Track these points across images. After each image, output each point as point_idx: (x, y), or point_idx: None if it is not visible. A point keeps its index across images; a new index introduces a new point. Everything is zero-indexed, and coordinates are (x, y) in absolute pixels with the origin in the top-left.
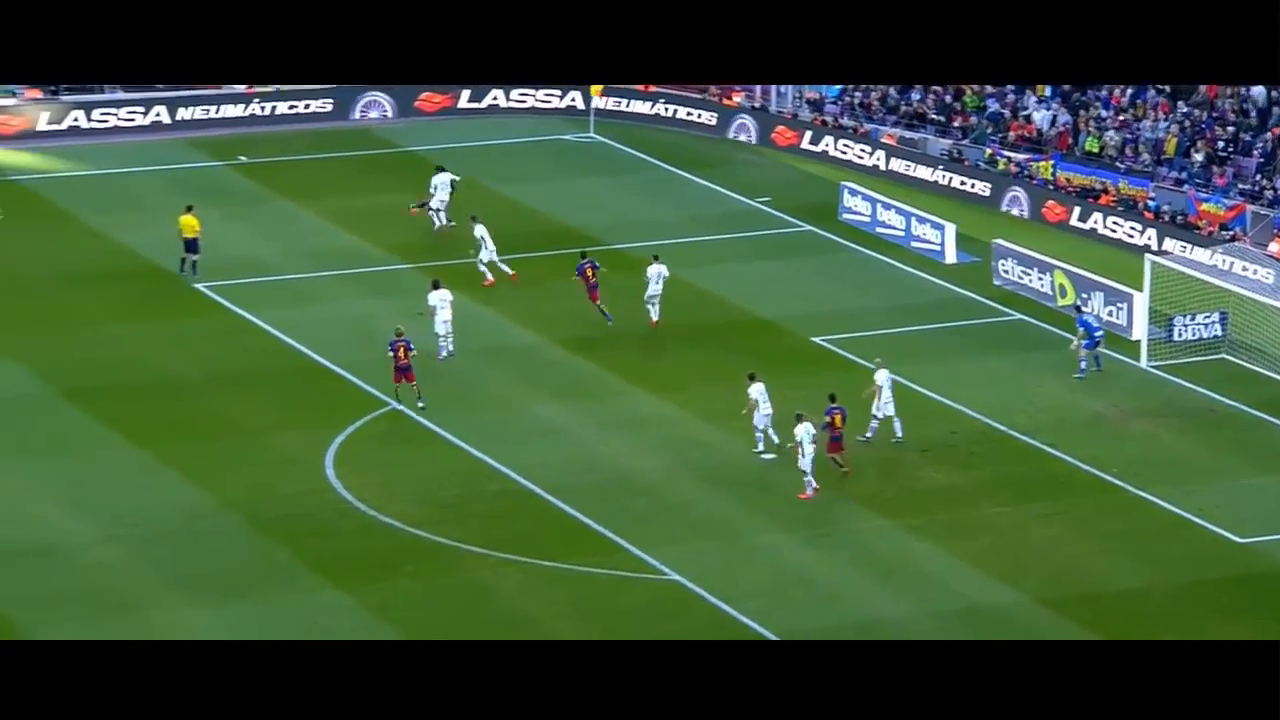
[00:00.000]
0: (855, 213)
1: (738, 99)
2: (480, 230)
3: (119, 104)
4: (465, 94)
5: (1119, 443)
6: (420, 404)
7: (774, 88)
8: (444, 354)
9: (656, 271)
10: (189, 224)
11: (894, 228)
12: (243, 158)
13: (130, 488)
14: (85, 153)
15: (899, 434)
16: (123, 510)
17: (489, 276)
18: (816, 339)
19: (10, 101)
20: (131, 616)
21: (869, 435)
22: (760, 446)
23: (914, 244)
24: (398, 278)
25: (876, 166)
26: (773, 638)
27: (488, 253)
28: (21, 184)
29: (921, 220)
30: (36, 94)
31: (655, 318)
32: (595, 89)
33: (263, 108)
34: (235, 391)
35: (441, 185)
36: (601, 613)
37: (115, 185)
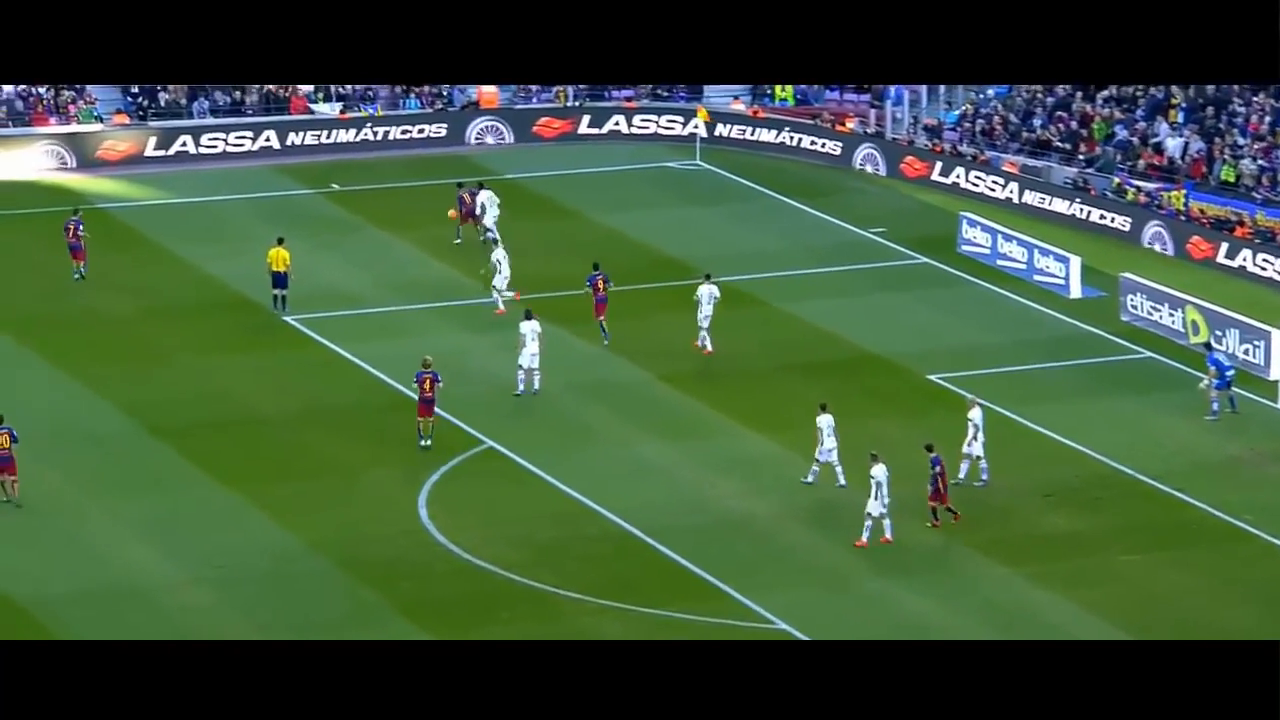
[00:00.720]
0: (975, 244)
1: (851, 124)
2: (499, 254)
3: (227, 129)
4: (586, 119)
5: (1254, 488)
6: (426, 443)
7: (889, 113)
8: (521, 389)
9: (708, 292)
10: (279, 257)
11: (1015, 260)
12: (335, 185)
13: (218, 528)
14: (171, 180)
15: (984, 476)
16: (210, 551)
17: (501, 306)
18: (933, 376)
19: (98, 127)
20: None
21: (960, 478)
22: (811, 478)
23: (1036, 277)
24: (491, 310)
25: (1009, 199)
26: None
27: (501, 279)
28: (108, 212)
29: (1045, 252)
30: (124, 119)
31: (709, 347)
32: (703, 114)
33: (374, 132)
34: (326, 428)
35: (489, 202)
36: None
37: (202, 213)
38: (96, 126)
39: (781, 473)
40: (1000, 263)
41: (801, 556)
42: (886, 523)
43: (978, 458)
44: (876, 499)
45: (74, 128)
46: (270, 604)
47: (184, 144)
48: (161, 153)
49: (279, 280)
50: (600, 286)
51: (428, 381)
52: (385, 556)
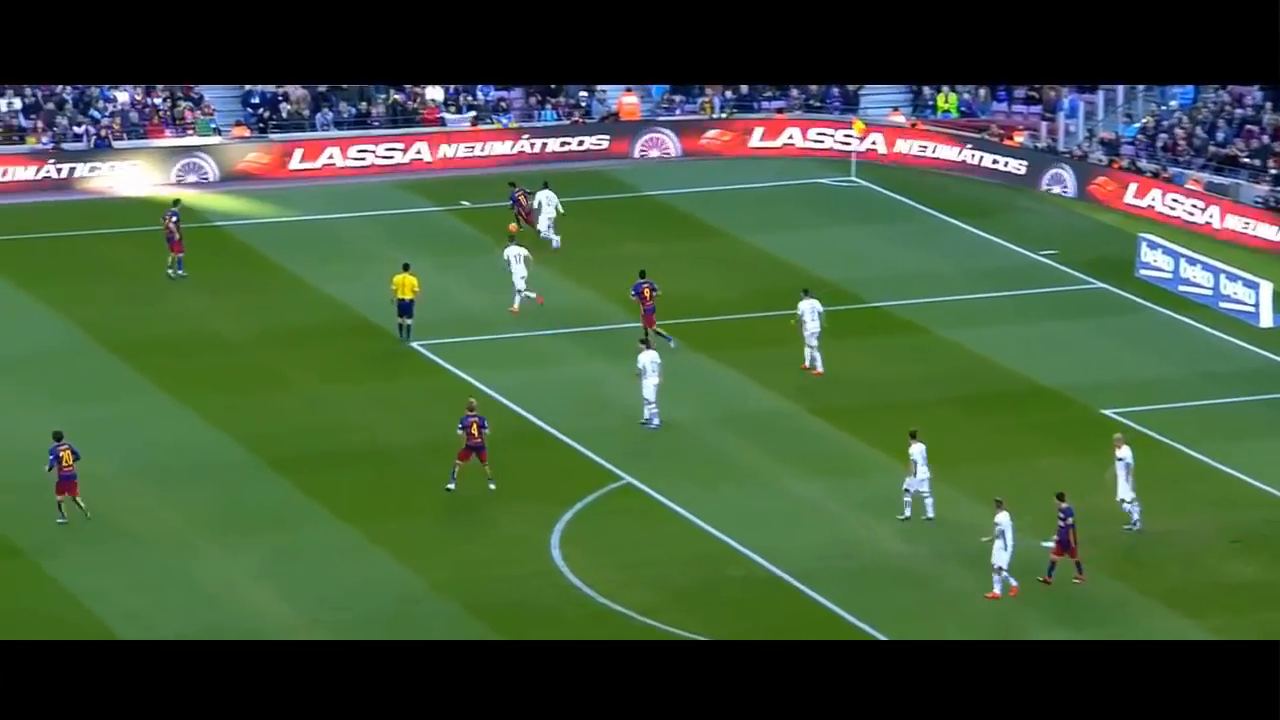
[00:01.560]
0: (1155, 268)
1: (1021, 138)
2: (517, 251)
3: (377, 140)
4: (758, 132)
5: None
6: (491, 486)
7: (1062, 125)
8: (649, 421)
9: (810, 308)
10: (406, 284)
11: (1200, 286)
12: (465, 202)
13: (338, 567)
14: (291, 195)
15: (1135, 521)
16: (329, 592)
17: (516, 305)
18: (1108, 411)
19: (215, 140)
20: None
21: (1134, 523)
22: (907, 513)
23: (1222, 304)
24: (631, 335)
25: (1193, 219)
26: None
27: (521, 280)
28: (224, 229)
29: (1232, 278)
30: (243, 131)
31: (819, 368)
32: (858, 126)
33: (531, 145)
34: (451, 461)
35: (546, 201)
36: None
37: (323, 231)
38: (214, 139)
39: (942, 514)
40: (1183, 288)
41: (964, 604)
42: (1003, 576)
43: (1130, 500)
44: (1004, 549)
45: (190, 140)
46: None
47: (305, 157)
48: (282, 166)
49: (405, 308)
50: (648, 295)
51: (474, 426)
52: (514, 599)
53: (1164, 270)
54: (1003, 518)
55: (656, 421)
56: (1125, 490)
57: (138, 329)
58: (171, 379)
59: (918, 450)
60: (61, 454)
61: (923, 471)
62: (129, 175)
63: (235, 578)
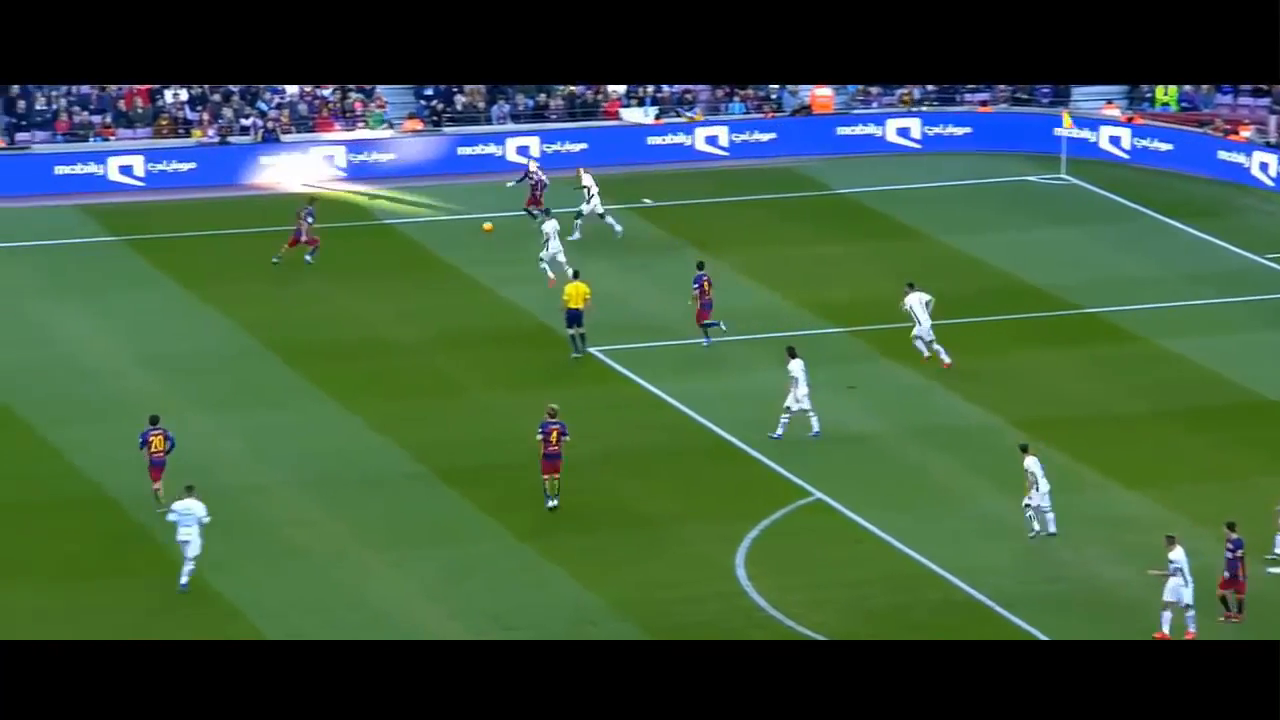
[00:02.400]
0: None
1: (1247, 133)
2: (913, 299)
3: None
4: (958, 124)
5: None
6: (553, 504)
7: None
8: (780, 433)
9: (919, 299)
10: (577, 292)
11: None
12: (646, 200)
13: (512, 584)
14: (465, 192)
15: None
16: (502, 610)
17: (551, 275)
18: None
19: (387, 134)
20: None
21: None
22: (1035, 528)
23: None
24: (825, 343)
25: None
26: None
27: (548, 251)
28: (394, 227)
29: None
30: (416, 125)
31: (946, 359)
32: (1068, 121)
33: (690, 137)
34: (632, 474)
35: (584, 189)
36: None
37: (498, 229)
38: (386, 133)
39: (1157, 536)
40: None
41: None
42: (1190, 614)
43: None
44: (1185, 584)
45: (360, 134)
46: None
47: (481, 151)
48: (455, 161)
49: (575, 318)
50: (707, 288)
51: (554, 434)
52: (696, 621)
53: None
54: (1177, 554)
55: (815, 429)
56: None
57: (304, 331)
58: (338, 384)
59: (1033, 463)
60: (152, 439)
61: (1044, 484)
62: (297, 169)
63: (405, 594)
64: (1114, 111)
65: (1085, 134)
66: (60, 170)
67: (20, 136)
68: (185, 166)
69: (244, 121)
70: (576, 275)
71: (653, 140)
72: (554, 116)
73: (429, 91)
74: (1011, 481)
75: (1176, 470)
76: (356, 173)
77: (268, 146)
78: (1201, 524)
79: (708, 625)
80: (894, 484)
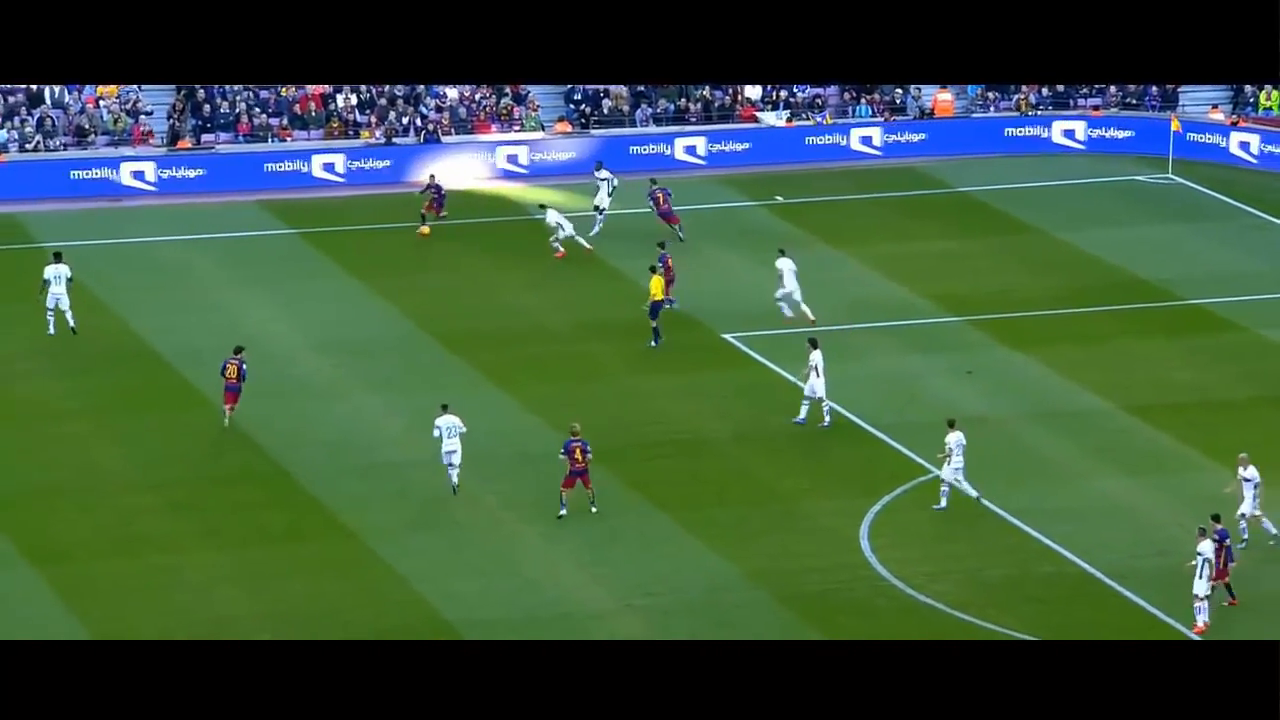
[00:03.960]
0: None
1: None
2: (784, 265)
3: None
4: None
5: None
6: (594, 509)
7: None
8: (803, 418)
9: (788, 265)
10: (658, 285)
11: None
12: (779, 197)
13: (651, 554)
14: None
15: (1270, 530)
16: (642, 578)
17: (561, 249)
18: None
19: (539, 135)
20: None
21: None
22: (943, 503)
23: None
24: (944, 331)
25: None
26: None
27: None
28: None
29: None
30: (566, 127)
31: (811, 316)
32: (1176, 124)
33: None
34: (764, 452)
35: (603, 183)
36: None
37: (641, 224)
38: (538, 134)
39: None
40: None
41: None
42: (1204, 605)
43: (1254, 516)
44: (1202, 578)
45: (517, 135)
46: (702, 636)
47: (625, 151)
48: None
49: (655, 310)
50: (671, 265)
51: (577, 451)
52: (824, 589)
53: None
54: (1205, 546)
55: (803, 416)
56: (1250, 508)
57: (464, 319)
58: (494, 368)
59: (954, 438)
60: (229, 366)
61: (958, 460)
62: (456, 169)
63: (555, 563)
64: (1219, 115)
65: (1198, 136)
66: (243, 169)
67: (205, 137)
68: (371, 164)
69: (408, 123)
70: (654, 270)
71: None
72: (693, 119)
73: (578, 96)
74: (1122, 462)
75: (1278, 454)
76: (511, 171)
77: (429, 147)
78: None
79: (833, 594)
80: (1009, 463)
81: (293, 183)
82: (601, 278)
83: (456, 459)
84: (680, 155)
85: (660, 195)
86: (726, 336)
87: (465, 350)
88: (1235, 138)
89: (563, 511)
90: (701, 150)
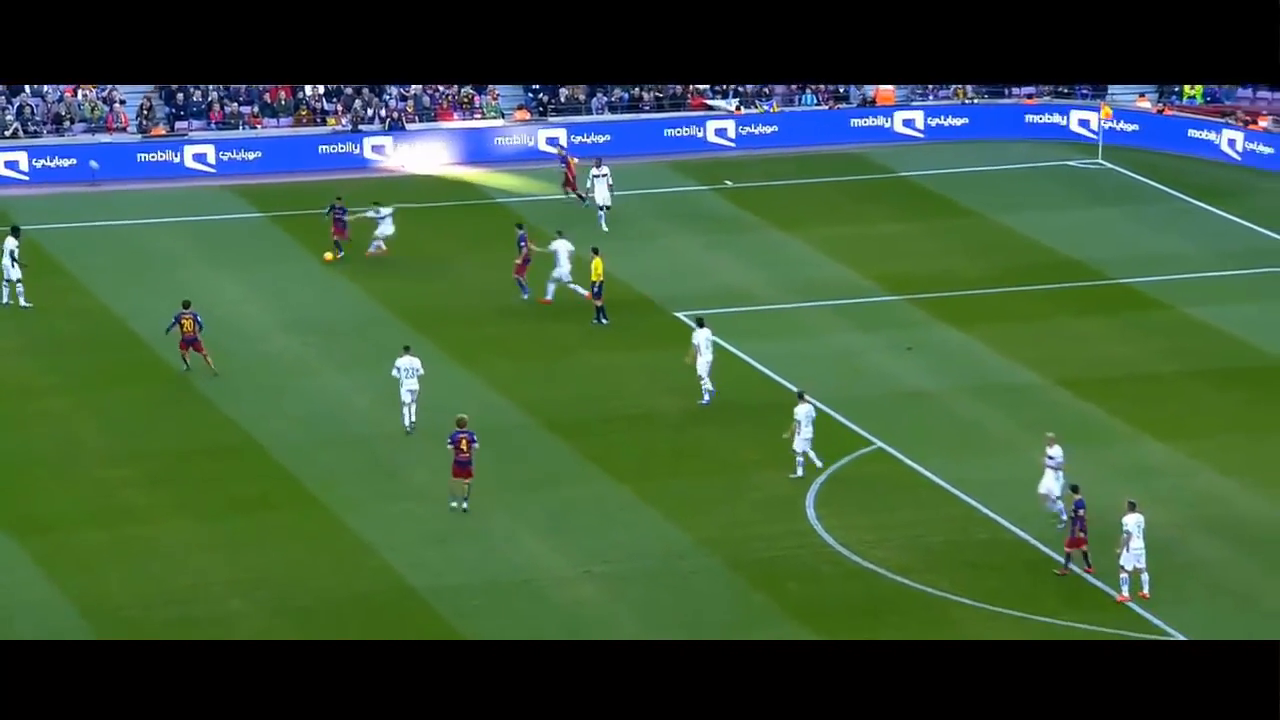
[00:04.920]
0: None
1: (1265, 122)
2: (560, 245)
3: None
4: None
5: None
6: (460, 506)
7: None
8: (707, 399)
9: (564, 245)
10: (598, 267)
11: None
12: (728, 181)
13: (609, 523)
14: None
15: (1063, 517)
16: (600, 546)
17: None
18: None
19: (499, 123)
20: None
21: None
22: (799, 472)
23: None
24: (887, 310)
25: None
26: None
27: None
28: (506, 206)
29: None
30: (524, 115)
31: (583, 292)
32: (1106, 112)
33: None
34: (716, 426)
35: (601, 179)
36: None
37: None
38: (498, 122)
39: (1185, 483)
40: None
41: (1203, 570)
42: (1145, 576)
43: (1055, 497)
44: (1127, 550)
45: (476, 123)
46: (658, 601)
47: (580, 139)
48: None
49: (595, 290)
50: (532, 247)
51: (464, 442)
52: (773, 556)
53: None
54: (1131, 520)
55: (704, 400)
56: (1053, 487)
57: (428, 299)
58: (459, 346)
59: (803, 411)
60: (183, 321)
61: (807, 431)
62: (419, 156)
63: (516, 532)
64: (1145, 104)
65: (1120, 124)
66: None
67: (179, 125)
68: (340, 148)
69: (369, 111)
70: (596, 252)
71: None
72: (645, 108)
73: (535, 85)
74: (1055, 431)
75: (1203, 425)
76: (471, 156)
77: (394, 134)
78: (1228, 474)
79: (782, 560)
80: (948, 435)
81: (264, 168)
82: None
83: (411, 399)
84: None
85: (570, 159)
86: (679, 315)
87: (430, 329)
88: (1162, 124)
89: (453, 504)
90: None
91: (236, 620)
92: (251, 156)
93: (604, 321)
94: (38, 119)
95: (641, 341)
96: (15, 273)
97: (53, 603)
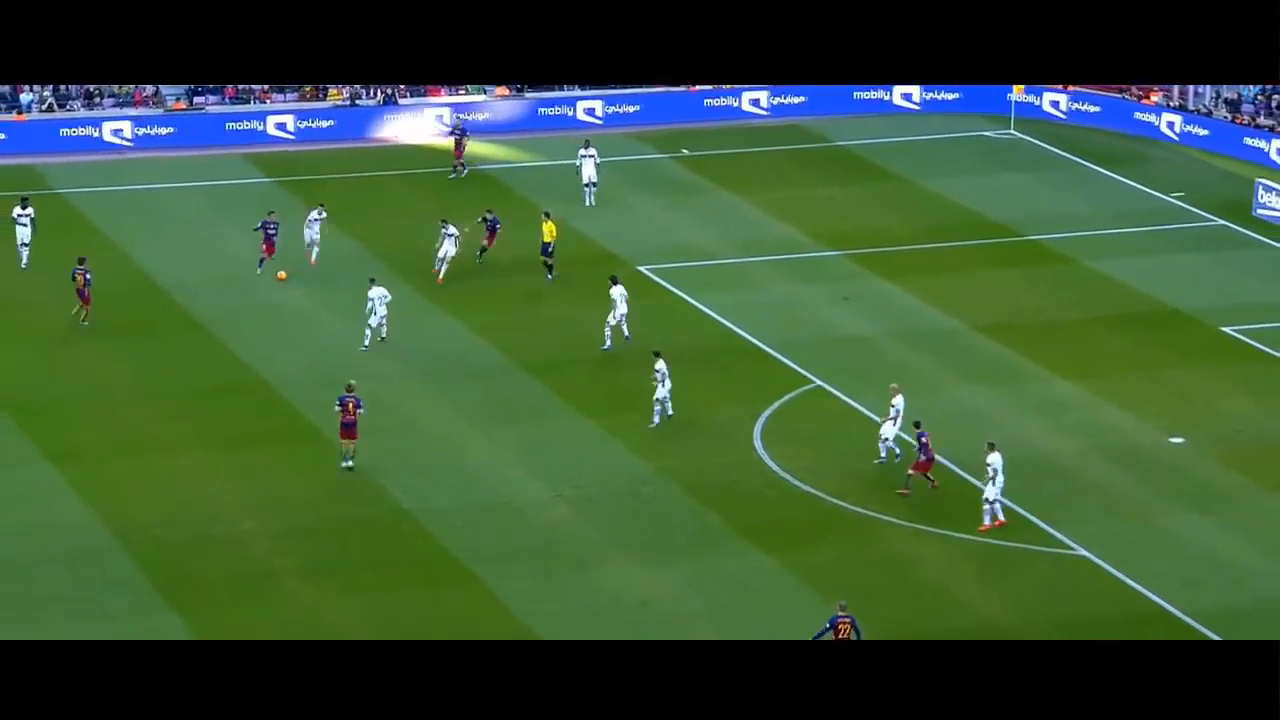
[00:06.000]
0: (1270, 209)
1: (1156, 97)
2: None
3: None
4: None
5: None
6: (348, 464)
7: (1191, 85)
8: (609, 345)
9: (450, 235)
10: (549, 230)
11: None
12: (685, 150)
13: (579, 454)
14: (545, 144)
15: (883, 458)
16: (571, 473)
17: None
18: (1228, 329)
19: (482, 98)
20: (581, 571)
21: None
22: (656, 420)
23: None
24: (825, 265)
25: None
26: (1179, 613)
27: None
28: (489, 173)
29: None
30: (504, 91)
31: (440, 276)
32: (1018, 88)
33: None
34: (674, 367)
35: (588, 159)
36: (1015, 586)
37: (570, 174)
38: (481, 97)
39: (1087, 416)
40: None
41: (1102, 492)
42: (998, 506)
43: (890, 439)
44: (993, 484)
45: (461, 98)
46: (623, 521)
47: (557, 112)
48: (536, 120)
49: (545, 250)
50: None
51: (350, 405)
52: (724, 482)
53: (1277, 210)
54: (994, 458)
55: (609, 344)
56: (890, 431)
57: (420, 254)
58: (447, 295)
59: (662, 365)
60: (76, 276)
61: (669, 384)
62: (410, 127)
63: (497, 460)
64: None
65: (1030, 98)
66: (230, 126)
67: (197, 99)
68: (325, 123)
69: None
70: (548, 215)
71: (708, 102)
72: (610, 84)
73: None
74: (973, 373)
75: (1102, 364)
76: (548, 123)
77: (389, 108)
78: (1125, 408)
79: (732, 485)
80: (880, 374)
81: (271, 138)
82: (537, 221)
83: (375, 321)
84: (581, 116)
85: (460, 136)
86: (642, 268)
87: (419, 281)
88: (1047, 98)
89: (344, 463)
90: (599, 111)
91: (249, 539)
92: (259, 127)
93: (550, 277)
94: (70, 92)
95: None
96: (28, 236)
97: (88, 523)
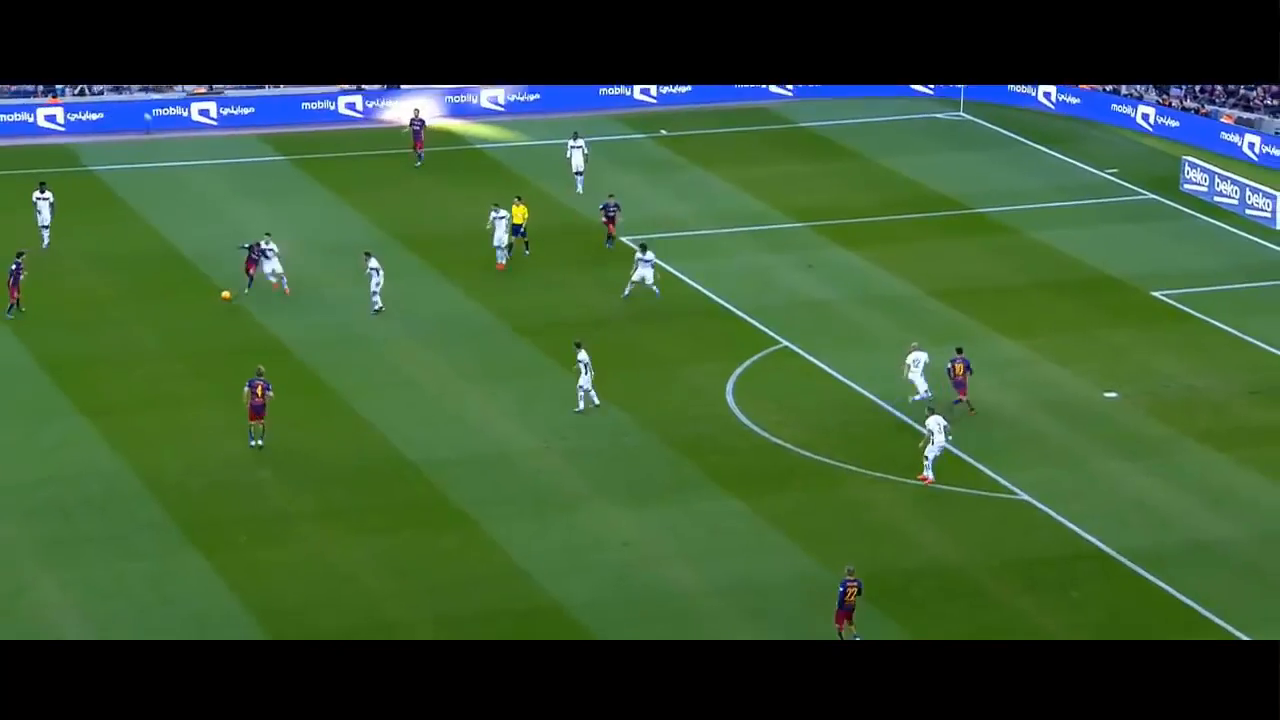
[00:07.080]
0: (1195, 184)
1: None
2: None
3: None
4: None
5: None
6: (258, 443)
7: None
8: (581, 408)
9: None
10: (519, 212)
11: (1229, 197)
12: (664, 131)
13: (566, 408)
14: (533, 125)
15: (921, 394)
16: (559, 426)
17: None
18: (1158, 294)
19: (474, 85)
20: (568, 515)
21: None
22: (581, 406)
23: (1248, 212)
24: (792, 235)
25: (1230, 145)
26: (1111, 551)
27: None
28: (485, 150)
29: (1254, 190)
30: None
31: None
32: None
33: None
34: (652, 329)
35: (577, 150)
36: (962, 527)
37: (558, 154)
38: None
39: (1029, 372)
40: (1217, 199)
41: (1042, 441)
42: (928, 461)
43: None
44: (933, 445)
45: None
46: (607, 469)
47: (538, 97)
48: (523, 103)
49: (517, 230)
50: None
51: (259, 388)
52: (699, 434)
53: (1202, 185)
54: (933, 421)
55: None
56: (920, 381)
57: (420, 226)
58: (445, 263)
59: (583, 356)
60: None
61: (591, 372)
62: (410, 107)
63: (491, 415)
64: None
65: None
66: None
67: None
68: (333, 107)
69: None
70: (520, 199)
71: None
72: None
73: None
74: (925, 334)
75: (1043, 325)
76: (457, 110)
77: (391, 91)
78: (1063, 364)
79: (706, 438)
80: (840, 336)
81: (286, 118)
82: (527, 195)
83: (375, 287)
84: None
85: (418, 128)
86: (624, 239)
87: (420, 250)
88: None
89: (253, 442)
90: (501, 99)
91: (265, 487)
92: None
93: (526, 253)
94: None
95: (591, 261)
96: (47, 218)
97: (119, 471)
